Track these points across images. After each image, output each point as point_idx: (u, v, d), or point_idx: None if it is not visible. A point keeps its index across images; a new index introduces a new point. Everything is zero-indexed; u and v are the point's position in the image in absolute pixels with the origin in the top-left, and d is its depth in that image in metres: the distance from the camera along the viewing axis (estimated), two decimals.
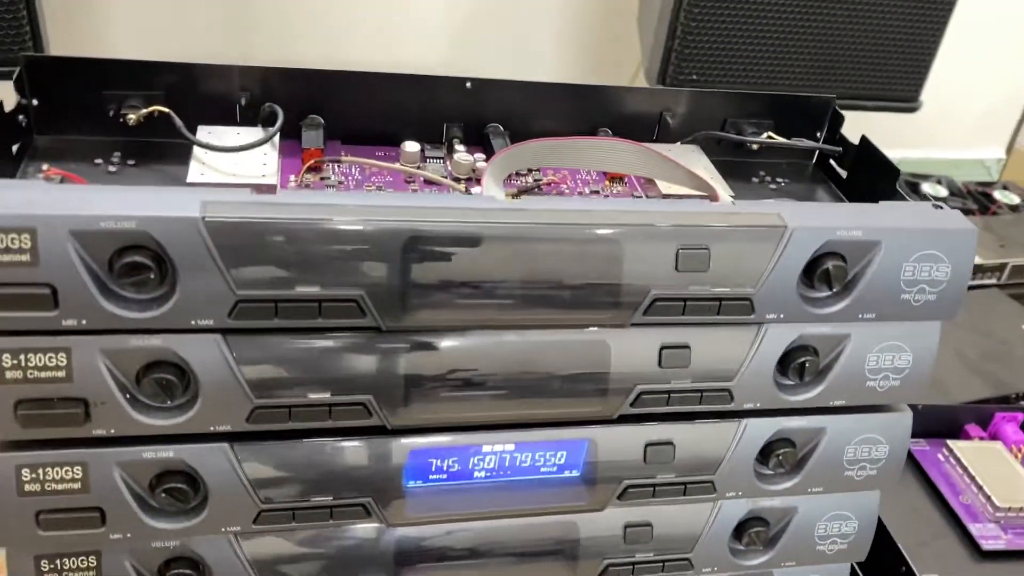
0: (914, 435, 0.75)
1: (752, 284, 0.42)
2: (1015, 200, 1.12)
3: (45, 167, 0.42)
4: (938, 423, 0.75)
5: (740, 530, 0.50)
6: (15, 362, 0.37)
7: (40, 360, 0.37)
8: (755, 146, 0.55)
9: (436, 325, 0.40)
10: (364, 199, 0.39)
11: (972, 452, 0.72)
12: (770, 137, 0.54)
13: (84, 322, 0.37)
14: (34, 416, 0.38)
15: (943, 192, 1.10)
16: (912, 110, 0.92)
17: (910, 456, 0.75)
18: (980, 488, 0.68)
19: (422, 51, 0.90)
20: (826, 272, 0.43)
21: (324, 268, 0.38)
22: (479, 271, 0.39)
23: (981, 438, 0.75)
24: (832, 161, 0.56)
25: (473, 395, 0.42)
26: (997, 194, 1.13)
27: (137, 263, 0.36)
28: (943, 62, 0.85)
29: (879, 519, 0.61)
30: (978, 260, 0.97)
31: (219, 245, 0.36)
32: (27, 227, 0.35)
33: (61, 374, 0.37)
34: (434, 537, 0.45)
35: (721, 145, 0.56)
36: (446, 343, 0.41)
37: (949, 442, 0.73)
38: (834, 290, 0.44)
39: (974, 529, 0.65)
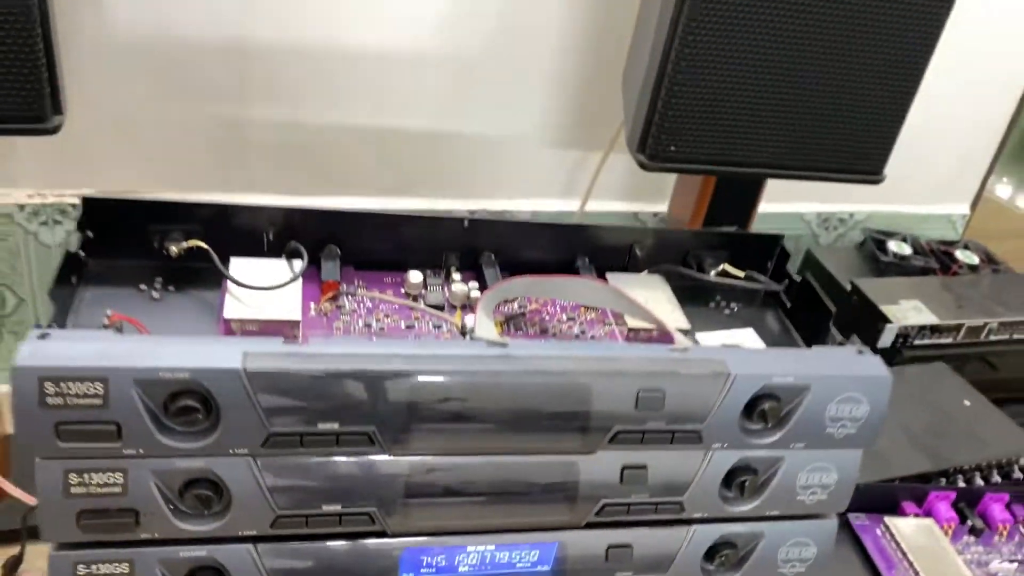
0: (855, 510, 0.84)
1: (700, 420, 0.50)
2: (975, 260, 1.17)
3: (109, 312, 0.49)
4: (877, 499, 0.83)
5: None
6: (80, 480, 0.44)
7: (101, 478, 0.44)
8: (713, 275, 0.63)
9: (433, 451, 0.48)
10: (374, 348, 0.46)
11: (907, 528, 0.80)
12: (724, 272, 0.63)
13: (141, 451, 0.44)
14: (92, 524, 0.45)
15: (907, 250, 1.16)
16: (876, 182, 0.99)
17: (850, 530, 0.83)
18: (911, 564, 0.76)
19: (415, 108, 0.96)
20: (763, 411, 0.51)
21: (342, 408, 0.45)
22: (470, 408, 0.47)
23: (916, 515, 0.83)
24: (781, 292, 0.64)
25: (461, 507, 0.50)
26: (959, 253, 1.18)
27: (188, 406, 0.43)
28: (915, 118, 0.91)
29: None
30: (935, 320, 1.02)
31: (256, 390, 0.44)
32: (100, 377, 0.42)
33: (118, 490, 0.45)
34: None
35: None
36: (441, 465, 0.49)
37: (887, 518, 0.81)
38: (769, 425, 0.52)
39: None
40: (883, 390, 0.52)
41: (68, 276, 0.51)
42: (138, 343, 0.44)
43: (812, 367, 0.52)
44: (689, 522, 0.55)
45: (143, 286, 0.54)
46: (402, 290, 0.57)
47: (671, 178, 1.01)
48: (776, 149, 0.93)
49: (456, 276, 0.59)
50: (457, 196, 1.01)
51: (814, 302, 0.60)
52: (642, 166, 0.78)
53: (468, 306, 0.57)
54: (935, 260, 1.16)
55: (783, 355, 0.53)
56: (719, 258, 0.64)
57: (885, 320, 1.00)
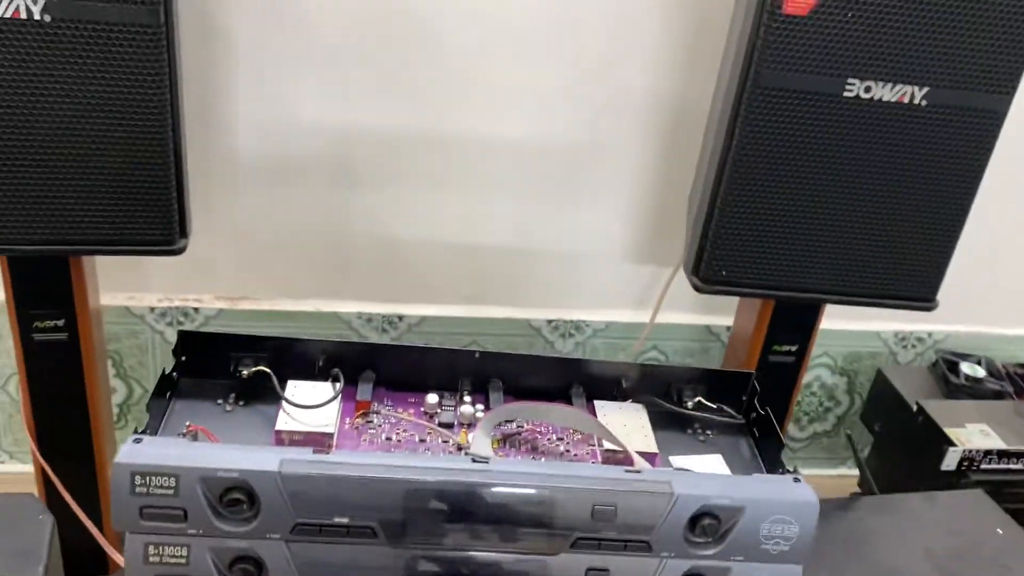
0: None
1: (648, 531, 0.61)
2: None
3: (188, 424, 0.64)
4: None
5: None
6: (156, 551, 0.58)
7: (171, 551, 0.59)
8: (689, 405, 0.73)
9: (424, 544, 0.60)
10: (380, 459, 0.59)
11: None
12: (699, 403, 0.73)
13: (201, 531, 0.58)
14: None
15: (981, 373, 1.16)
16: (928, 309, 0.98)
17: None
18: None
19: (498, 226, 1.08)
20: (704, 527, 0.61)
21: (351, 505, 0.58)
22: (453, 511, 0.59)
23: None
24: (750, 422, 0.74)
25: None
26: None
27: (237, 498, 0.57)
28: (996, 238, 0.89)
29: None
30: (1002, 445, 1.03)
31: (288, 488, 0.57)
32: (174, 473, 0.57)
33: (183, 561, 0.59)
34: None
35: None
36: (433, 557, 0.61)
37: None
38: (711, 539, 0.62)
39: None
40: (811, 514, 0.62)
41: (164, 391, 0.67)
42: (204, 449, 0.59)
43: (747, 491, 0.61)
44: None
45: (219, 400, 0.70)
46: (421, 409, 0.71)
47: (735, 300, 1.06)
48: (827, 275, 0.97)
49: (467, 398, 0.72)
50: (535, 306, 1.11)
51: (772, 434, 0.70)
52: (696, 288, 0.84)
53: (473, 424, 0.70)
54: (1010, 384, 1.16)
55: (724, 480, 0.63)
56: (697, 391, 0.74)
57: (949, 443, 1.02)
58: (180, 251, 0.87)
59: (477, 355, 0.72)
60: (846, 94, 0.80)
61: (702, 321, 1.17)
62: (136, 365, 1.06)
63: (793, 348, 1.07)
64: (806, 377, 1.29)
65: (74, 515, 0.91)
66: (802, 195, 0.88)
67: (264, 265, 1.04)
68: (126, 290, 1.12)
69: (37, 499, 0.94)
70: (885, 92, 0.80)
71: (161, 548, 0.59)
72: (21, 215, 0.82)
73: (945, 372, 1.19)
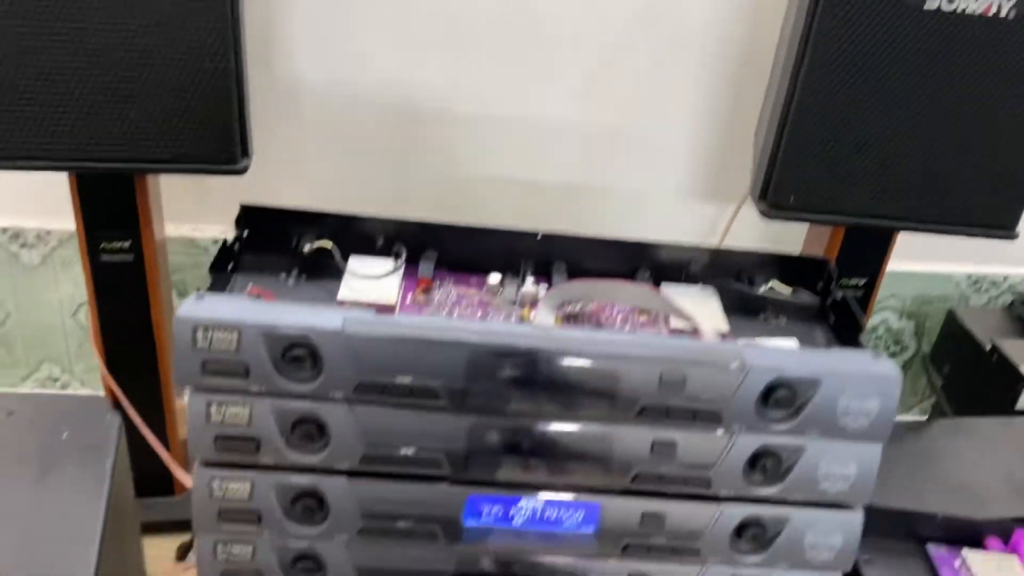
0: (936, 540, 0.86)
1: (719, 403, 0.58)
2: None
3: (250, 285, 0.64)
4: (960, 531, 0.84)
5: None
6: (218, 410, 0.58)
7: (233, 410, 0.58)
8: (761, 290, 0.71)
9: (487, 411, 0.59)
10: (443, 322, 0.58)
11: (986, 562, 0.82)
12: (772, 288, 0.70)
13: (263, 388, 0.57)
14: (225, 446, 0.59)
15: None
16: (1009, 238, 0.95)
17: (927, 560, 0.85)
18: None
19: (559, 162, 1.07)
20: (777, 399, 0.58)
21: (413, 365, 0.57)
22: (516, 376, 0.58)
23: (1001, 551, 0.84)
24: (827, 307, 0.71)
25: (515, 463, 0.60)
26: None
27: (299, 355, 0.56)
28: None
29: None
30: None
31: (350, 346, 0.56)
32: (235, 327, 0.56)
33: (245, 420, 0.58)
34: (483, 561, 0.63)
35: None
36: (496, 424, 0.59)
37: (965, 550, 0.83)
38: (784, 413, 0.59)
39: None
40: (892, 389, 0.58)
41: (225, 262, 0.67)
42: (265, 306, 0.58)
43: (824, 363, 0.59)
44: (718, 500, 0.62)
45: (281, 275, 0.69)
46: (483, 289, 0.69)
47: (803, 230, 1.04)
48: (901, 202, 0.95)
49: (530, 280, 0.70)
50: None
51: (851, 319, 0.67)
52: (763, 214, 0.82)
53: (536, 304, 0.68)
54: None
55: (799, 352, 0.60)
56: (771, 276, 0.72)
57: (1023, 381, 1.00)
58: (242, 171, 0.88)
59: (540, 236, 0.71)
60: (927, 6, 0.76)
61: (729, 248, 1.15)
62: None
63: (861, 282, 1.05)
64: (872, 320, 1.26)
65: (142, 438, 0.93)
66: (877, 115, 0.85)
67: (325, 198, 1.04)
68: (190, 221, 1.14)
69: (104, 401, 0.96)
70: (969, 3, 0.76)
71: (223, 407, 0.58)
72: (87, 133, 0.83)
73: (1021, 313, 1.15)
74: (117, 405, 0.98)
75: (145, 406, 0.98)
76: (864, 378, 0.58)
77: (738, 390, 0.58)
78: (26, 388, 1.25)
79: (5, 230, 1.15)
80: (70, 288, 1.19)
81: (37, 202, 1.13)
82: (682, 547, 0.63)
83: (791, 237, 1.07)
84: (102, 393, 1.02)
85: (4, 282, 1.18)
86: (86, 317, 1.15)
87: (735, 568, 0.64)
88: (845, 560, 0.64)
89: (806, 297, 0.70)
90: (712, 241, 1.10)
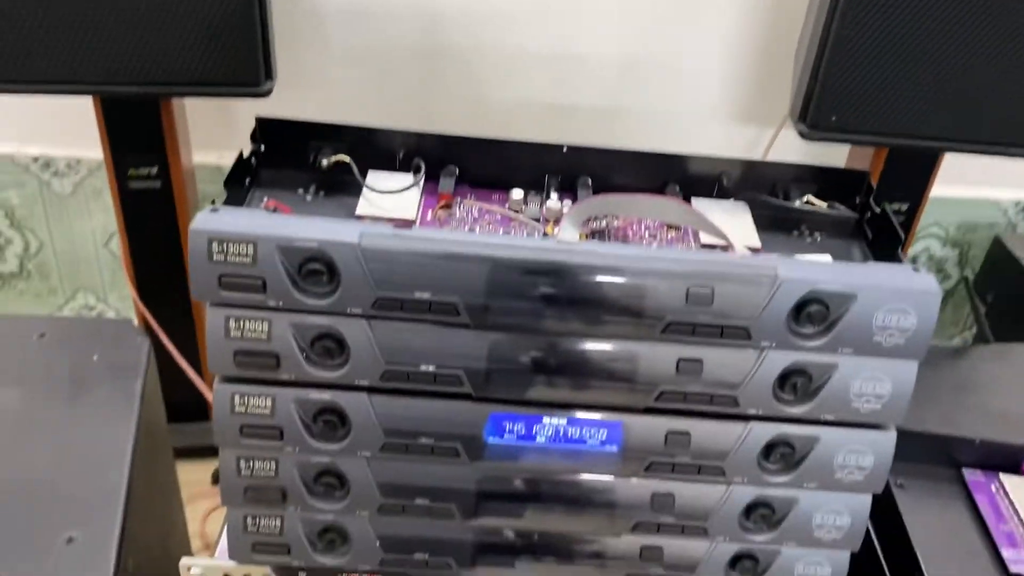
0: (972, 466, 0.85)
1: (748, 318, 0.56)
2: None
3: (266, 199, 0.63)
4: (997, 456, 0.83)
5: (749, 511, 0.64)
6: (237, 325, 0.57)
7: (251, 325, 0.57)
8: (796, 204, 0.68)
9: (508, 328, 0.57)
10: (463, 236, 0.56)
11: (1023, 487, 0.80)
12: (808, 201, 0.67)
13: (281, 303, 0.56)
14: (244, 362, 0.58)
15: None
16: None
17: (962, 484, 0.84)
18: (1022, 521, 0.76)
19: (589, 84, 1.04)
20: (808, 314, 0.56)
21: (432, 280, 0.56)
22: (538, 291, 0.56)
23: None
24: (864, 222, 0.68)
25: (536, 380, 0.59)
26: None
27: (317, 269, 0.55)
28: None
29: (905, 530, 0.72)
30: None
31: (367, 260, 0.55)
32: (251, 240, 0.55)
33: (264, 336, 0.58)
34: (504, 477, 0.62)
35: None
36: (517, 341, 0.58)
37: (1002, 475, 0.82)
38: (817, 329, 0.57)
39: (1007, 553, 0.73)
40: (932, 303, 0.56)
41: (241, 175, 0.65)
42: (282, 219, 0.56)
43: (860, 277, 0.56)
44: (746, 418, 0.61)
45: (299, 190, 0.68)
46: (506, 205, 0.67)
47: (844, 152, 1.00)
48: (948, 121, 0.91)
49: (554, 196, 0.68)
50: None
51: (888, 234, 0.64)
52: (803, 136, 0.80)
53: (560, 220, 0.66)
54: None
55: (834, 266, 0.58)
56: (806, 191, 0.69)
57: None
58: (266, 93, 0.87)
59: (565, 149, 0.68)
60: None
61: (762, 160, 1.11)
62: None
63: (904, 207, 1.02)
64: (914, 248, 1.23)
65: (176, 364, 0.94)
66: (924, 30, 0.81)
67: (349, 121, 1.02)
68: (217, 148, 1.13)
69: (133, 324, 0.96)
70: None
71: (242, 322, 0.57)
72: (110, 56, 0.83)
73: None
74: (150, 332, 0.99)
75: (177, 333, 0.99)
76: (902, 292, 0.56)
77: (768, 305, 0.56)
78: (63, 316, 1.27)
79: (36, 159, 1.15)
80: (102, 218, 1.19)
81: (66, 131, 1.13)
82: (707, 466, 0.62)
83: (832, 160, 1.03)
84: (135, 321, 1.03)
85: (37, 211, 1.19)
86: (118, 247, 1.16)
87: (762, 488, 0.63)
88: (876, 481, 0.62)
89: (843, 212, 0.68)
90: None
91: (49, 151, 1.15)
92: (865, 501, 0.64)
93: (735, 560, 0.66)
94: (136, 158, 0.98)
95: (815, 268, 0.57)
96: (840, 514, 0.64)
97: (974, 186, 1.18)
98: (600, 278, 0.56)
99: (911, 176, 0.97)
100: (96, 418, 0.83)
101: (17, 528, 0.66)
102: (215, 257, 0.55)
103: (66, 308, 1.27)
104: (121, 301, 1.28)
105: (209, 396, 0.90)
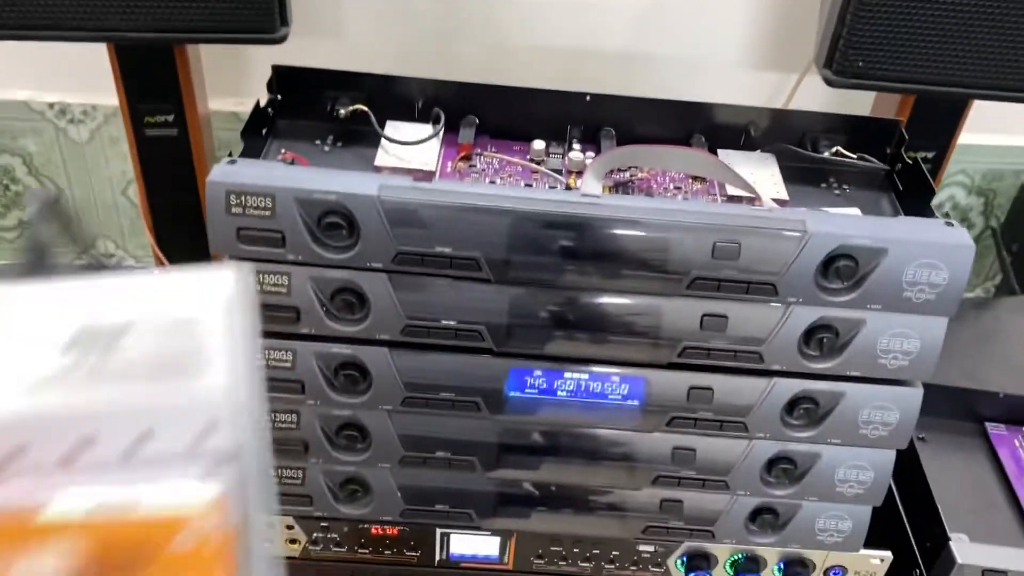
0: (995, 420, 0.84)
1: (775, 273, 0.55)
2: None
3: (283, 151, 0.61)
4: (1021, 411, 0.82)
5: (771, 465, 0.63)
6: (256, 279, 0.57)
7: (271, 279, 0.57)
8: (825, 155, 0.66)
9: (531, 281, 0.57)
10: (483, 189, 0.55)
11: None
12: (838, 152, 0.65)
13: (300, 257, 0.56)
14: (265, 316, 0.58)
15: None
16: None
17: (985, 439, 0.83)
18: None
19: (610, 29, 1.01)
20: (838, 269, 0.55)
21: (453, 235, 0.55)
22: (560, 245, 0.55)
23: None
24: (894, 174, 0.66)
25: (557, 335, 0.58)
26: None
27: (336, 222, 0.54)
28: None
29: (926, 483, 0.72)
30: None
31: (387, 213, 0.54)
32: (269, 193, 0.54)
33: (284, 290, 0.57)
34: (524, 431, 0.62)
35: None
36: (539, 296, 0.57)
37: None
38: (845, 284, 0.56)
39: None
40: (964, 258, 0.55)
41: (258, 126, 0.64)
42: (300, 171, 0.56)
43: (892, 231, 0.55)
44: (770, 374, 0.60)
45: (317, 141, 0.66)
46: (527, 156, 0.66)
47: (869, 101, 0.98)
48: (978, 67, 0.88)
49: (576, 147, 0.66)
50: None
51: (920, 187, 0.62)
52: (828, 82, 0.77)
53: (583, 173, 0.64)
54: None
55: (865, 220, 0.56)
56: (835, 141, 0.67)
57: None
58: (281, 39, 0.85)
59: (588, 98, 0.66)
60: None
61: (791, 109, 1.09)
62: None
63: (930, 155, 0.99)
64: (939, 197, 1.20)
65: None
66: None
67: (366, 68, 1.00)
68: (233, 96, 1.12)
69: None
70: None
71: (261, 276, 0.57)
72: (125, 2, 0.81)
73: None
74: None
75: None
76: (934, 247, 0.55)
77: (796, 260, 0.55)
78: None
79: (52, 105, 1.14)
80: (119, 165, 1.19)
81: (82, 77, 1.11)
82: (730, 422, 0.61)
83: (856, 107, 1.01)
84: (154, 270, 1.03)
85: (55, 158, 1.19)
86: (136, 194, 1.15)
87: (783, 443, 0.62)
88: (900, 438, 0.62)
89: (874, 164, 0.66)
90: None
91: (65, 98, 1.14)
92: (889, 457, 0.63)
93: (755, 514, 0.66)
94: (152, 105, 0.97)
95: (845, 221, 0.56)
96: (863, 469, 0.63)
97: (1001, 134, 1.15)
98: (625, 232, 0.55)
99: (938, 124, 0.94)
100: None
101: None
102: (233, 210, 0.54)
103: (85, 256, 1.27)
104: (140, 249, 1.28)
105: None
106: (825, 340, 0.58)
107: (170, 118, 0.99)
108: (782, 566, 0.69)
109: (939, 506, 0.71)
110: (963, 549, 0.69)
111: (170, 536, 0.22)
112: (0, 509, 0.21)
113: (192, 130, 0.99)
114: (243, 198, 0.54)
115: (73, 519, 0.21)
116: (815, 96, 0.92)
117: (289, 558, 0.67)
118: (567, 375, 0.60)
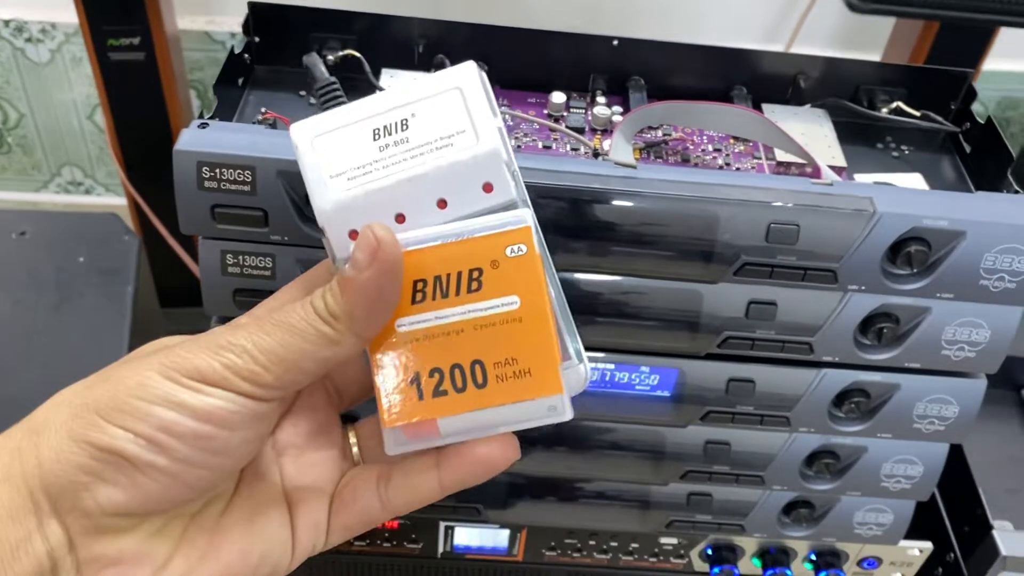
0: None
1: (836, 259, 0.48)
2: None
3: (263, 109, 0.53)
4: None
5: (812, 459, 0.57)
6: (235, 261, 0.49)
7: (253, 261, 0.49)
8: (884, 112, 0.58)
9: (563, 267, 0.49)
10: None
11: None
12: (898, 109, 0.57)
13: (285, 237, 0.48)
14: (246, 302, 0.50)
15: None
16: None
17: (1021, 407, 0.78)
18: None
19: None
20: (908, 254, 0.48)
21: None
22: (591, 224, 0.47)
23: None
24: (960, 135, 0.58)
25: (585, 323, 0.51)
26: None
27: None
28: None
29: (967, 469, 0.67)
30: None
31: None
32: (248, 165, 0.46)
33: (267, 273, 0.49)
34: None
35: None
36: (566, 280, 0.50)
37: None
38: (915, 271, 0.49)
39: None
40: None
41: (234, 76, 0.55)
42: (283, 135, 0.47)
43: (971, 212, 0.47)
44: (819, 365, 0.53)
45: (302, 92, 0.57)
46: (545, 111, 0.57)
47: (888, 26, 0.91)
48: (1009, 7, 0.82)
49: (601, 100, 0.58)
50: (650, 35, 0.97)
51: (996, 147, 0.55)
52: (851, 7, 0.70)
53: (609, 131, 0.56)
54: None
55: (940, 197, 0.49)
56: (895, 95, 0.58)
57: None
58: None
59: (615, 43, 0.57)
60: None
61: (841, 56, 1.01)
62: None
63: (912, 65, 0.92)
64: None
65: (168, 246, 0.87)
66: None
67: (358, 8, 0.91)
68: (205, 13, 1.02)
69: (120, 219, 0.88)
70: None
71: (241, 257, 0.49)
72: None
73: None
74: (139, 212, 0.91)
75: (169, 213, 0.91)
76: (1017, 231, 0.47)
77: (862, 244, 0.47)
78: (48, 193, 1.20)
79: (8, 22, 1.04)
80: (84, 88, 1.10)
81: None
82: (771, 416, 0.55)
83: (869, 38, 0.93)
84: (124, 200, 0.95)
85: (14, 80, 1.09)
86: (102, 120, 1.07)
87: (827, 437, 0.56)
88: (959, 432, 0.56)
89: (941, 123, 0.58)
90: (780, 41, 0.95)
91: (20, 15, 1.04)
92: (941, 450, 0.57)
93: (789, 507, 0.60)
94: (116, 27, 0.88)
95: (917, 199, 0.48)
96: (912, 464, 0.57)
97: (1017, 60, 1.09)
98: (664, 211, 0.47)
99: (961, 51, 0.88)
100: (86, 328, 0.76)
101: None
102: (206, 184, 0.46)
103: (52, 184, 1.19)
104: (109, 178, 1.20)
105: None
106: (885, 330, 0.51)
107: (136, 40, 0.90)
108: (812, 556, 0.64)
109: (974, 473, 0.66)
110: (1007, 539, 0.64)
111: (508, 244, 0.35)
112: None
113: (160, 52, 0.90)
114: (218, 171, 0.46)
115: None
116: (826, 21, 0.84)
117: None
118: (593, 365, 0.53)
